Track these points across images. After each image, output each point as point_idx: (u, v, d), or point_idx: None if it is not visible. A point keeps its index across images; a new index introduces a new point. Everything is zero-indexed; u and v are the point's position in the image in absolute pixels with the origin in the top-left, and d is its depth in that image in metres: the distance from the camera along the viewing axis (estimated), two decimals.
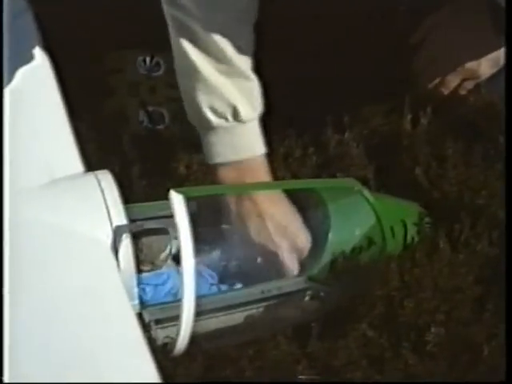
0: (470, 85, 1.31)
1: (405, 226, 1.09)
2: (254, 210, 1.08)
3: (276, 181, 1.15)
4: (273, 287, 1.03)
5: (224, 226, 1.10)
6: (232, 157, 1.10)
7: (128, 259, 0.90)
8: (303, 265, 1.07)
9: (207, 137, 1.11)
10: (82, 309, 0.80)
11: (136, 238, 0.93)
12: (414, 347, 1.00)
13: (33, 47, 1.06)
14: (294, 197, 1.10)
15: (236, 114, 1.08)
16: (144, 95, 1.40)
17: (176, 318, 0.88)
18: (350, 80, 1.32)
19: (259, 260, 1.08)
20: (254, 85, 1.10)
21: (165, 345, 0.93)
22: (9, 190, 0.86)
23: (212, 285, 1.05)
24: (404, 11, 1.35)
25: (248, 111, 1.09)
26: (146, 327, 0.93)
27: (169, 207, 0.87)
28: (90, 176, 0.95)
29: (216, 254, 1.07)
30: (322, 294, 1.04)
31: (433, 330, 1.00)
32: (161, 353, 0.90)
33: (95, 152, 1.21)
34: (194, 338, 0.89)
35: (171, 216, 0.87)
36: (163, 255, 1.00)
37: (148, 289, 1.00)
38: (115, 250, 0.90)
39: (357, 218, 1.08)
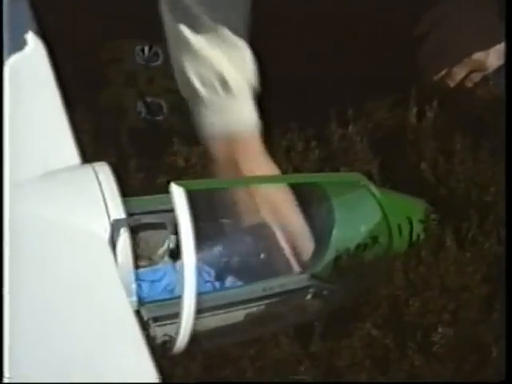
0: (477, 77, 1.29)
1: (410, 223, 1.08)
2: (249, 200, 1.07)
3: (278, 174, 1.14)
4: (274, 285, 1.02)
5: (222, 220, 1.09)
6: (221, 129, 1.09)
7: (126, 254, 0.90)
8: (305, 261, 1.06)
9: (197, 108, 1.10)
10: (78, 306, 0.79)
11: (133, 232, 0.92)
12: (419, 348, 1.00)
13: (28, 36, 1.05)
14: (297, 191, 1.09)
15: (224, 83, 1.07)
16: (142, 86, 1.39)
17: (174, 316, 0.87)
18: (354, 72, 1.31)
19: (259, 255, 1.07)
20: (246, 54, 1.09)
21: (163, 343, 0.92)
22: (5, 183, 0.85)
23: (207, 282, 1.04)
24: (408, 2, 1.33)
25: (237, 80, 1.08)
26: (144, 325, 0.92)
27: (167, 201, 0.87)
28: (87, 168, 0.94)
29: (214, 250, 1.06)
30: (325, 292, 1.04)
31: (439, 330, 1.00)
32: (159, 352, 0.89)
33: (92, 144, 1.20)
34: (194, 337, 0.88)
35: (170, 210, 0.87)
36: (161, 250, 0.99)
37: (144, 285, 0.99)
38: (113, 244, 0.89)
39: (362, 213, 1.07)
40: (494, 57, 1.26)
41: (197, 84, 1.08)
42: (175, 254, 0.99)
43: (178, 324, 0.86)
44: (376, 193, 1.05)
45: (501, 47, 1.24)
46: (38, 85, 1.02)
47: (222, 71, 1.07)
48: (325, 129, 1.25)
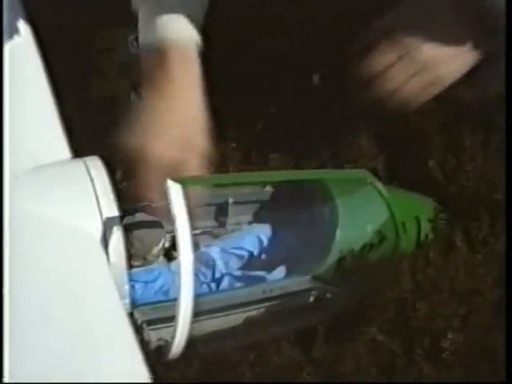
0: (432, 89, 1.11)
1: (418, 222, 1.08)
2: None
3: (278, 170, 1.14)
4: (275, 286, 1.02)
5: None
6: (151, 38, 1.09)
7: (119, 254, 0.89)
8: (308, 263, 1.05)
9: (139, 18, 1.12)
10: (68, 309, 0.78)
11: (127, 230, 0.92)
12: (428, 355, 0.99)
13: (16, 23, 1.03)
14: (298, 189, 1.08)
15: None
16: (136, 76, 1.35)
17: (170, 319, 0.87)
18: None
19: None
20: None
21: (158, 348, 0.92)
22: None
23: (203, 283, 1.04)
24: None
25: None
26: (137, 329, 0.91)
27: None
28: (79, 163, 0.93)
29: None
30: (328, 294, 1.03)
31: (449, 335, 0.99)
32: (154, 357, 0.89)
33: (83, 137, 1.18)
34: (190, 341, 0.87)
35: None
36: (156, 250, 0.97)
37: (138, 286, 0.98)
38: (105, 243, 0.88)
39: (368, 212, 1.06)
40: (450, 62, 1.08)
41: None
42: (171, 253, 0.97)
43: (174, 328, 0.85)
44: (382, 191, 1.04)
45: (465, 55, 1.08)
46: (26, 75, 1.00)
47: None
48: None
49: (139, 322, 0.93)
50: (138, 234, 0.95)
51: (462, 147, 1.18)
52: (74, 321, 0.76)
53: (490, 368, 0.97)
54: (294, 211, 1.09)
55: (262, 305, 1.00)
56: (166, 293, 0.99)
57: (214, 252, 1.06)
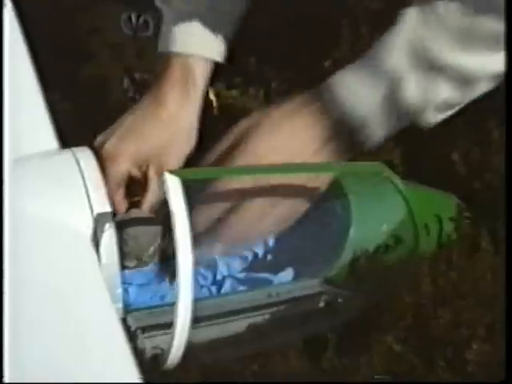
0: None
1: (440, 221, 1.07)
2: None
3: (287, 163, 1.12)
4: (281, 290, 1.01)
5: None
6: (168, 48, 1.13)
7: (111, 253, 0.89)
8: (318, 264, 1.05)
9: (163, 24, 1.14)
10: (54, 313, 0.78)
11: (120, 228, 0.92)
12: (450, 366, 0.99)
13: None
14: None
15: None
16: (129, 60, 1.40)
17: (166, 326, 0.88)
18: None
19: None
20: None
21: (154, 357, 0.92)
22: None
23: (203, 287, 1.04)
24: None
25: None
26: (131, 336, 0.92)
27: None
28: (67, 154, 0.94)
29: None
30: (339, 299, 1.03)
31: (474, 346, 0.99)
32: (149, 367, 0.90)
33: (71, 125, 1.18)
34: (189, 350, 0.87)
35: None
36: (152, 249, 0.98)
37: (131, 289, 0.98)
38: (96, 242, 0.88)
39: (384, 210, 1.06)
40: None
41: None
42: (168, 253, 0.97)
43: (171, 335, 0.85)
44: (400, 186, 1.02)
45: None
46: (8, 57, 0.98)
47: None
48: None
49: (133, 328, 0.92)
50: (132, 231, 0.95)
51: (489, 139, 1.17)
52: (62, 329, 0.76)
53: None
54: None
55: (268, 310, 1.00)
56: (163, 297, 0.99)
57: (215, 252, 1.06)
